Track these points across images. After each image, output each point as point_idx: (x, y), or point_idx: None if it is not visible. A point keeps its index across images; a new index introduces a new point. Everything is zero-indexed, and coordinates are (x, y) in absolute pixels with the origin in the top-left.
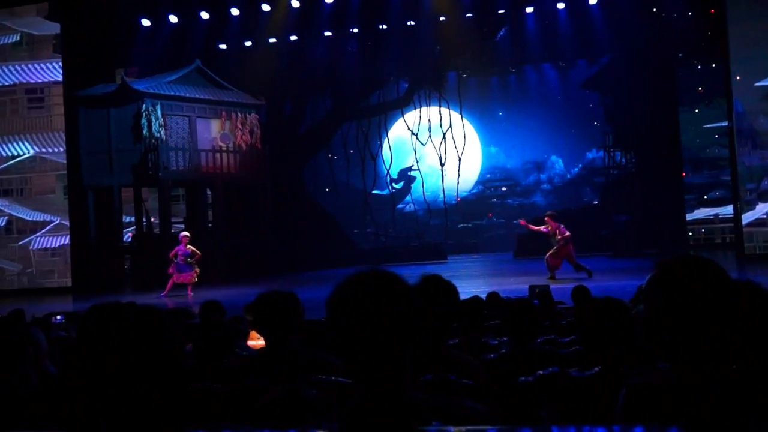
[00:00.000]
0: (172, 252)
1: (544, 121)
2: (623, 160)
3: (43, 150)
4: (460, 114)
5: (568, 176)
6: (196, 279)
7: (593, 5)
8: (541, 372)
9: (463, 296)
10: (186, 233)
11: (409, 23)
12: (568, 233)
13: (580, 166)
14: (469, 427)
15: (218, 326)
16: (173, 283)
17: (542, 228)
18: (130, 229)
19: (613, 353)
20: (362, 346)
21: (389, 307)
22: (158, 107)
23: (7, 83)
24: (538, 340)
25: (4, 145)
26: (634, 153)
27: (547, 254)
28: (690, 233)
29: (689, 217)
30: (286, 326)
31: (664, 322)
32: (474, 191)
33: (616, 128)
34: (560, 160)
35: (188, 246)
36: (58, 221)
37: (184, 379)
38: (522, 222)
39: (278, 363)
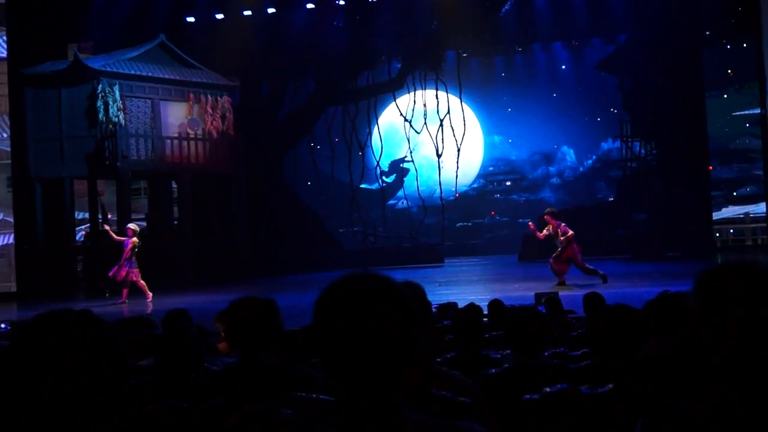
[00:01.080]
0: (130, 247)
1: (554, 108)
2: (642, 151)
3: None
4: (460, 98)
5: (581, 169)
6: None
7: None
8: (548, 389)
9: (461, 304)
10: (133, 225)
11: None
12: (571, 232)
13: (594, 158)
14: None
15: (184, 337)
16: (127, 284)
17: (546, 231)
18: (83, 227)
19: (629, 369)
20: (351, 358)
21: (383, 314)
22: (116, 88)
23: None
24: (546, 354)
25: None
26: (655, 143)
27: (551, 258)
28: (717, 234)
29: (716, 216)
30: (262, 337)
31: (714, 340)
32: (475, 186)
33: (635, 115)
34: (572, 151)
35: (132, 239)
36: (0, 218)
37: (125, 402)
38: (531, 225)
39: (253, 379)
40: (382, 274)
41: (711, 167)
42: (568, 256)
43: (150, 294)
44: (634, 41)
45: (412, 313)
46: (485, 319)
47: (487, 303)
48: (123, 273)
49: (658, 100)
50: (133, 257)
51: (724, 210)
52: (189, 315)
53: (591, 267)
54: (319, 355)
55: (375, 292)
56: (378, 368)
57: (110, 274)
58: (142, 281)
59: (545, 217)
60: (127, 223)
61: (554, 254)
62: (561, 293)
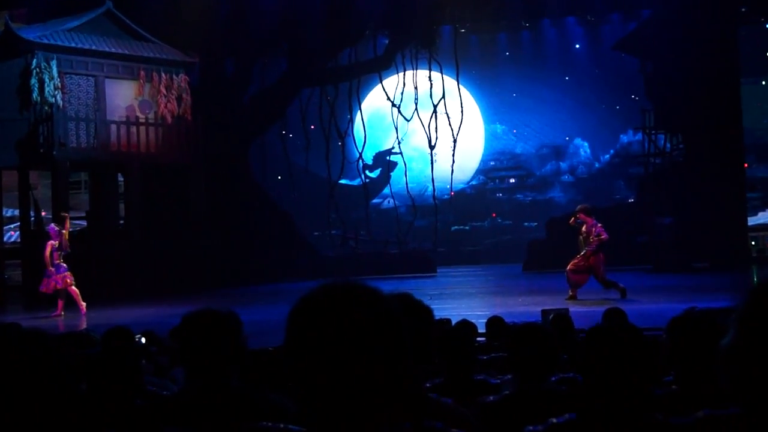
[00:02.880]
0: (48, 251)
1: (566, 93)
2: (668, 145)
3: None
4: (457, 81)
5: (596, 165)
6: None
7: None
8: (554, 420)
9: (455, 320)
10: (56, 226)
11: None
12: (605, 236)
13: (611, 152)
14: None
15: (126, 356)
16: (62, 293)
17: (579, 226)
18: (12, 225)
19: (647, 394)
20: (329, 383)
21: (367, 332)
22: (54, 63)
23: None
24: (553, 379)
25: None
26: (682, 137)
27: (570, 264)
28: (753, 242)
29: (752, 221)
30: (221, 357)
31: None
32: (473, 183)
33: (659, 104)
34: (586, 144)
35: (50, 242)
36: None
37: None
38: (573, 221)
39: (209, 405)
40: (365, 283)
41: (746, 165)
42: (591, 264)
43: (84, 304)
44: (658, 18)
45: (402, 331)
46: (482, 339)
47: (485, 320)
48: (52, 284)
49: (686, 87)
50: (59, 260)
51: (760, 215)
52: (131, 333)
53: (612, 279)
54: (290, 379)
55: (358, 305)
56: (360, 396)
57: (42, 289)
58: (74, 288)
59: (579, 215)
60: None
61: (575, 260)
62: (572, 308)
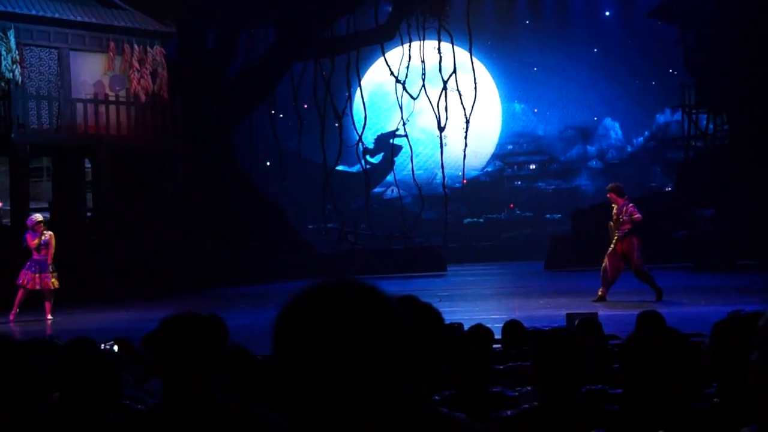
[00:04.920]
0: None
1: (595, 67)
2: (710, 126)
3: None
4: (470, 53)
5: (629, 149)
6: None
7: None
8: None
9: (468, 325)
10: (36, 217)
11: None
12: (639, 215)
13: (646, 134)
14: None
15: (98, 365)
16: (24, 295)
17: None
18: None
19: (685, 410)
20: (323, 396)
21: (367, 338)
22: (11, 33)
23: None
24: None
25: None
26: (727, 116)
27: (606, 256)
28: None
29: None
30: (202, 366)
31: None
32: (488, 170)
33: (701, 79)
34: (617, 126)
35: (45, 233)
36: None
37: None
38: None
39: (189, 420)
40: (365, 282)
41: None
42: (625, 249)
43: (17, 311)
44: None
45: (406, 337)
46: (498, 346)
47: (501, 325)
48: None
49: (731, 59)
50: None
51: None
52: (95, 343)
53: (649, 272)
54: (278, 391)
55: (356, 307)
56: (357, 410)
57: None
58: (20, 296)
59: (609, 194)
60: (24, 214)
61: (609, 250)
62: (601, 312)
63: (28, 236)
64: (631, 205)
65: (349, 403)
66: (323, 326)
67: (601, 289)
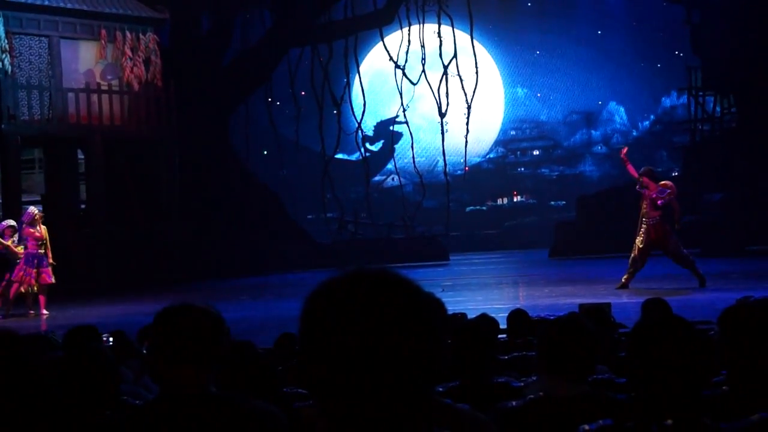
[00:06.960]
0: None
1: (599, 50)
2: (718, 109)
3: None
4: (471, 37)
5: (634, 133)
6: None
7: None
8: (587, 427)
9: (471, 315)
10: (34, 210)
11: None
12: (670, 192)
13: (652, 117)
14: None
15: (96, 360)
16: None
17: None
18: None
19: (693, 398)
20: (354, 387)
21: (405, 328)
22: (0, 21)
23: None
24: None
25: None
26: (735, 99)
27: (635, 247)
28: None
29: None
30: (200, 359)
31: None
32: (491, 156)
33: (708, 60)
34: (622, 109)
35: (39, 226)
36: None
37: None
38: (623, 153)
39: (186, 415)
40: (398, 272)
41: None
42: (658, 235)
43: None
44: None
45: (441, 328)
46: (503, 336)
47: (505, 315)
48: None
49: (739, 40)
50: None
51: None
52: (99, 333)
53: (690, 257)
54: (306, 384)
55: (393, 296)
56: (391, 401)
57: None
58: (14, 290)
59: (642, 178)
60: (16, 208)
61: (640, 235)
62: (614, 301)
63: (28, 230)
64: (668, 190)
65: (376, 395)
66: (360, 314)
67: (625, 276)
